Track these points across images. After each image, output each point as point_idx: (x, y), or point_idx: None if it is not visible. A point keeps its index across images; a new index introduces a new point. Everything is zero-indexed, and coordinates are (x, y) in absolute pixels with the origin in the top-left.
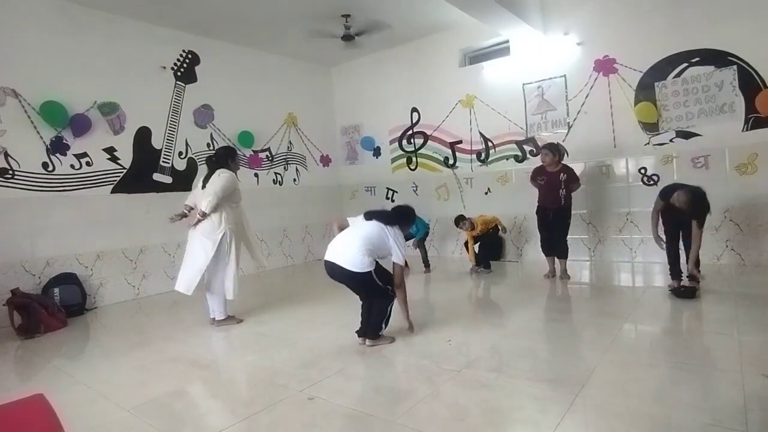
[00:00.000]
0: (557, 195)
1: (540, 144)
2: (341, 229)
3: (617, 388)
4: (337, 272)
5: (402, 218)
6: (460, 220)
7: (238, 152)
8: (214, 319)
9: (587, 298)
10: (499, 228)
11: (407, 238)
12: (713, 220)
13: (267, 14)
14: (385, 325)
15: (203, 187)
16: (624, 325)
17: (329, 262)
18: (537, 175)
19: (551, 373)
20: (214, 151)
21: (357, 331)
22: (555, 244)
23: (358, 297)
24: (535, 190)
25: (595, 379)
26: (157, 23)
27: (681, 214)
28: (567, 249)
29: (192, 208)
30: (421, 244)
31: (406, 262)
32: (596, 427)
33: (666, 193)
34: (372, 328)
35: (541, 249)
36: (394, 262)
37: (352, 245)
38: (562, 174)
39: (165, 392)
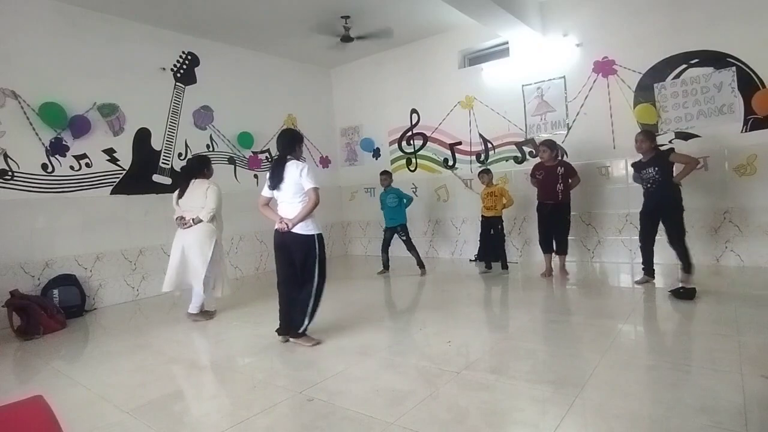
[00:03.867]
0: (555, 189)
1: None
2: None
3: (617, 389)
4: (284, 240)
5: (292, 140)
6: (483, 173)
7: (210, 160)
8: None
9: (587, 299)
10: (502, 223)
11: (407, 204)
12: (713, 221)
13: (266, 16)
14: (310, 320)
15: (180, 197)
16: (623, 327)
17: (277, 229)
18: (536, 170)
19: (551, 375)
20: (187, 162)
21: (276, 329)
22: (551, 241)
23: (285, 290)
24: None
25: (595, 381)
26: (156, 25)
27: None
28: (567, 246)
29: (182, 217)
30: (411, 246)
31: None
32: (596, 428)
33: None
34: (294, 323)
35: (540, 246)
36: (308, 189)
37: (290, 205)
38: (559, 168)
39: (164, 394)
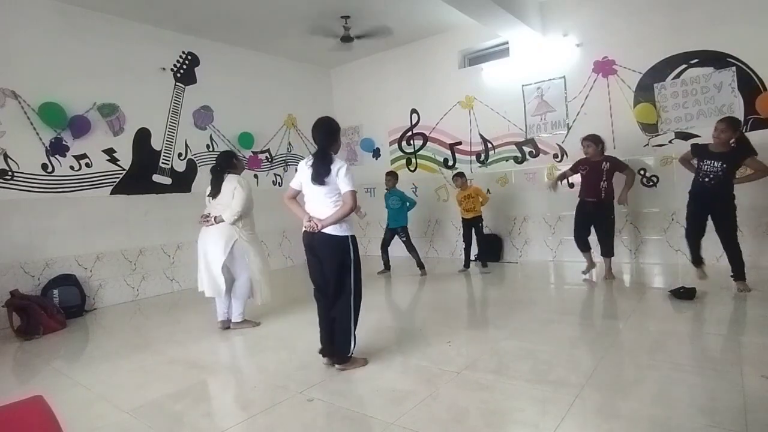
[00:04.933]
0: (598, 186)
1: (539, 145)
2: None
3: (617, 389)
4: (313, 242)
5: (331, 131)
6: (458, 176)
7: (237, 153)
8: (228, 320)
9: (587, 299)
10: (482, 220)
11: (409, 207)
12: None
13: (266, 16)
14: (354, 343)
15: (214, 196)
16: (624, 326)
17: (306, 231)
18: (579, 165)
19: (551, 375)
20: (215, 161)
21: (320, 351)
22: (587, 240)
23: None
24: (535, 190)
25: (595, 381)
26: (156, 25)
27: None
28: (613, 247)
29: (207, 215)
30: (411, 248)
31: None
32: (596, 428)
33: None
34: (339, 346)
35: (576, 245)
36: (346, 192)
37: (320, 205)
38: (605, 163)
39: (164, 394)
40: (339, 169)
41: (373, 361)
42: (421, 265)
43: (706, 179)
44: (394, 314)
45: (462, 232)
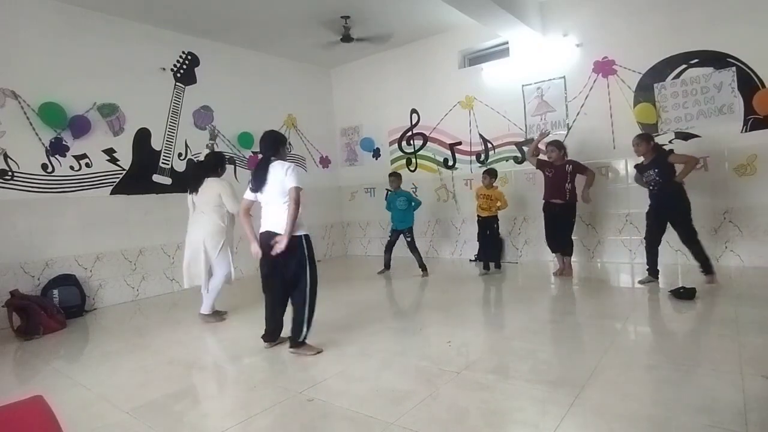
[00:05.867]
0: (563, 188)
1: (539, 145)
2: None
3: (617, 389)
4: (269, 242)
5: (275, 141)
6: (487, 174)
7: (225, 157)
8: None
9: (586, 299)
10: (498, 222)
11: (415, 207)
12: (713, 221)
13: (266, 16)
14: (308, 327)
15: (195, 192)
16: (623, 327)
17: (263, 232)
18: (545, 165)
19: (551, 375)
20: (204, 157)
21: (262, 336)
22: (559, 241)
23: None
24: (535, 190)
25: (595, 381)
26: (156, 25)
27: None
28: (571, 246)
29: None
30: (414, 248)
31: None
32: (596, 428)
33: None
34: (292, 333)
35: (548, 247)
36: (290, 188)
37: (274, 206)
38: (568, 166)
39: (164, 394)
40: (287, 169)
41: (372, 361)
42: (423, 266)
43: (651, 187)
44: (394, 313)
45: (477, 231)
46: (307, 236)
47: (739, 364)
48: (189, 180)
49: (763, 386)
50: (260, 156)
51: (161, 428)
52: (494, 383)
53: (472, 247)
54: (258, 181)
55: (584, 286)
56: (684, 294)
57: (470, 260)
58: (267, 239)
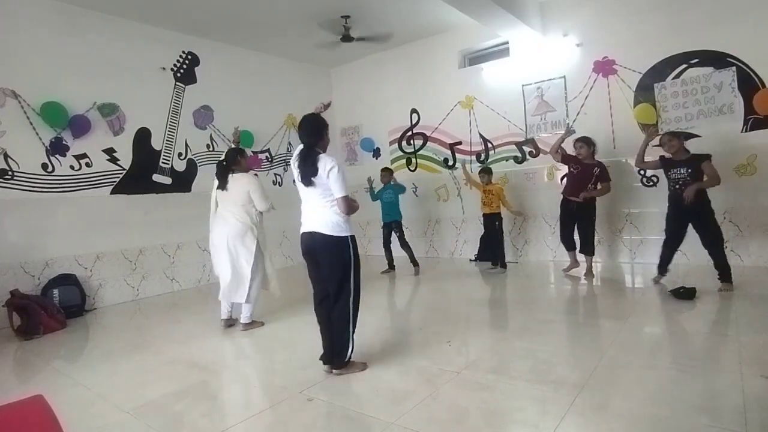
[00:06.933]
0: (585, 189)
1: (540, 145)
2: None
3: (617, 389)
4: (312, 244)
5: (316, 128)
6: (483, 172)
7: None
8: (231, 318)
9: (586, 298)
10: (501, 219)
11: (400, 192)
12: None
13: (266, 16)
14: (352, 347)
15: (223, 188)
16: (623, 326)
17: (305, 233)
18: (571, 160)
19: (551, 374)
20: (223, 156)
21: (321, 357)
22: (573, 239)
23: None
24: (533, 191)
25: (595, 381)
26: (156, 25)
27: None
28: (593, 246)
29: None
30: (404, 243)
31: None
32: (596, 428)
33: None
34: (337, 351)
35: (562, 243)
36: (338, 198)
37: (316, 204)
38: (596, 168)
39: (164, 394)
40: (330, 170)
41: (373, 361)
42: (414, 262)
43: (678, 186)
44: (394, 314)
45: (483, 228)
46: (353, 237)
47: (739, 364)
48: (216, 176)
49: (763, 386)
50: (301, 145)
51: (161, 428)
52: (494, 383)
53: (472, 247)
54: (307, 175)
55: (584, 285)
56: (684, 294)
57: (470, 260)
58: (309, 242)
